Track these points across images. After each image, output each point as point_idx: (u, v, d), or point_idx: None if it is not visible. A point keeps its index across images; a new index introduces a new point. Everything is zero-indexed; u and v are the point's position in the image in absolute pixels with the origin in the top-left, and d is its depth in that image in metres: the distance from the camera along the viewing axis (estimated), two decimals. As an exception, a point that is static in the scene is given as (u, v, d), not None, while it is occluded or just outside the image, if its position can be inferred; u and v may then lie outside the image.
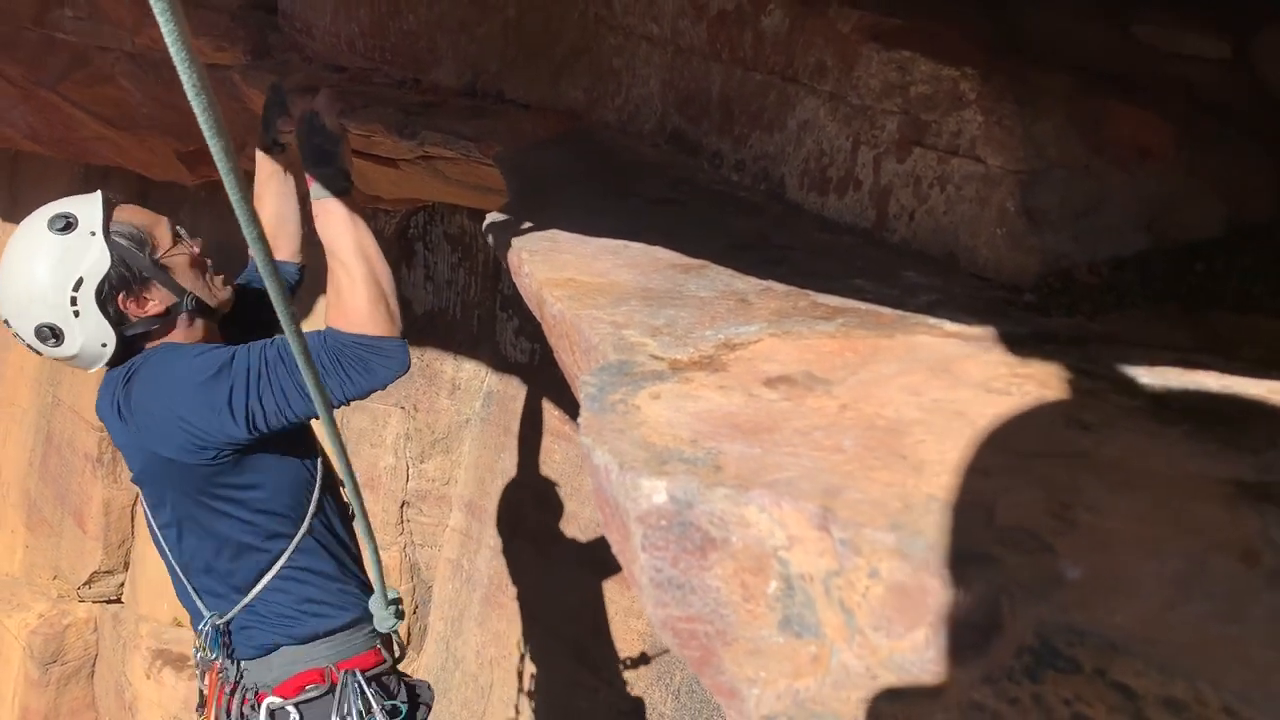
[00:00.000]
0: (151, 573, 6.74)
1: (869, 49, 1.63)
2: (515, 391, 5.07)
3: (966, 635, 0.75)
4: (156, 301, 2.42)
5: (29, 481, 7.45)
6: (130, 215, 2.49)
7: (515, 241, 1.62)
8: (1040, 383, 1.04)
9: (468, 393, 5.38)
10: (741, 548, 0.85)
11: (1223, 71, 1.53)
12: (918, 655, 0.78)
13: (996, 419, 0.95)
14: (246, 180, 1.23)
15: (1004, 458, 0.88)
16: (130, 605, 7.06)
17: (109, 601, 7.29)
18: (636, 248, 1.55)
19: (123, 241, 2.40)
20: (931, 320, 1.23)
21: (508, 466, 5.07)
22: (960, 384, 1.04)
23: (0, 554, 7.73)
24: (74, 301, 2.32)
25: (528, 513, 4.95)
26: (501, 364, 5.16)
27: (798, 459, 0.89)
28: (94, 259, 2.34)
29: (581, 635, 4.61)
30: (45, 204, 2.48)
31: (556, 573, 4.71)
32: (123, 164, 5.38)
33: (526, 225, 1.68)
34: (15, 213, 7.25)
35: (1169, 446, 0.90)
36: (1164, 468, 0.86)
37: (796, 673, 0.89)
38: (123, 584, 7.21)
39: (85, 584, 7.20)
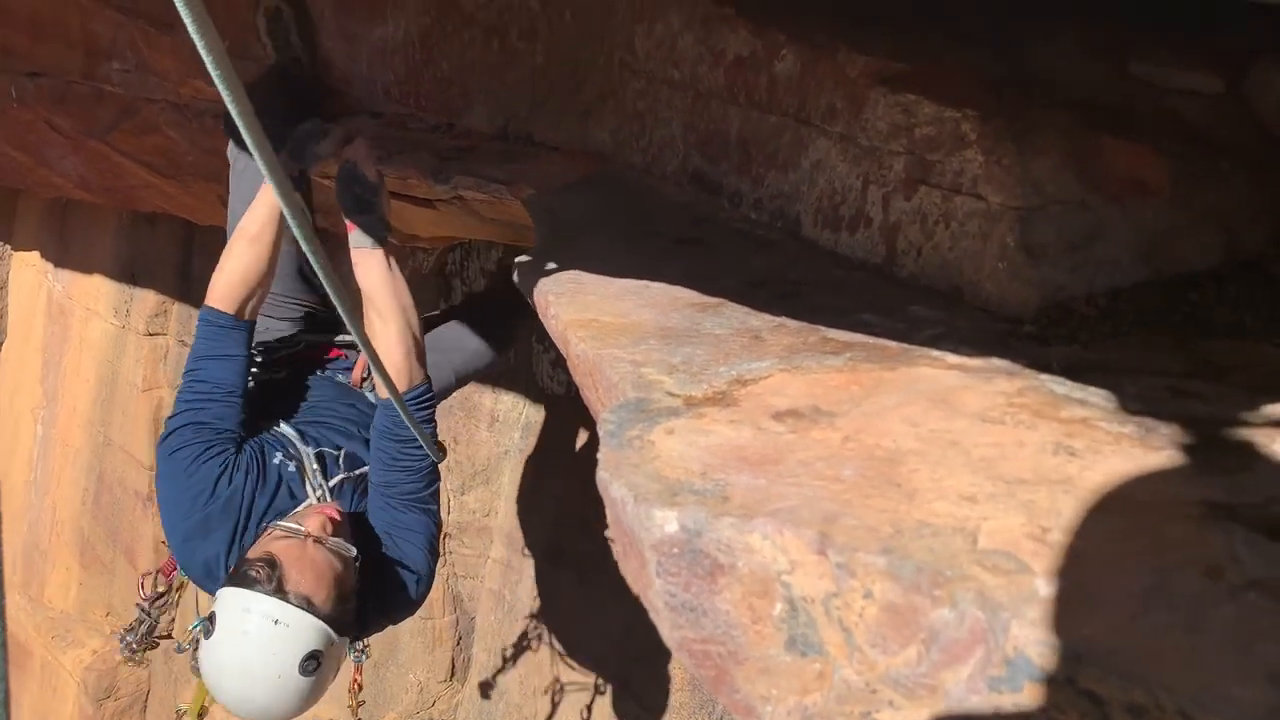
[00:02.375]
0: (202, 609, 6.88)
1: (876, 92, 1.70)
2: (553, 422, 5.15)
3: (954, 650, 0.81)
4: None
5: (82, 520, 7.63)
6: (318, 585, 2.26)
7: (542, 284, 1.70)
8: (1034, 412, 1.10)
9: (506, 424, 5.47)
10: (748, 573, 0.92)
11: (1217, 107, 1.59)
12: (911, 670, 0.85)
13: (989, 448, 1.02)
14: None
15: (992, 484, 0.94)
16: (180, 639, 7.19)
17: (160, 638, 7.42)
18: (657, 287, 1.63)
19: (343, 616, 2.28)
20: (935, 353, 1.29)
21: (546, 497, 5.15)
22: (957, 414, 1.10)
23: (55, 591, 7.90)
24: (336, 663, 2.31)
25: (567, 543, 5.01)
26: (539, 395, 5.25)
27: (800, 489, 0.96)
28: (339, 653, 2.29)
29: (624, 664, 4.66)
30: (257, 633, 2.18)
31: (598, 602, 4.77)
32: (169, 210, 5.56)
33: (552, 267, 1.77)
34: (67, 259, 7.48)
35: (1149, 471, 0.96)
36: (1142, 491, 0.92)
37: (804, 689, 0.95)
38: (173, 620, 7.34)
39: (137, 620, 7.32)
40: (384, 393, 2.38)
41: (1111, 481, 0.94)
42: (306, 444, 2.62)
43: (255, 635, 2.16)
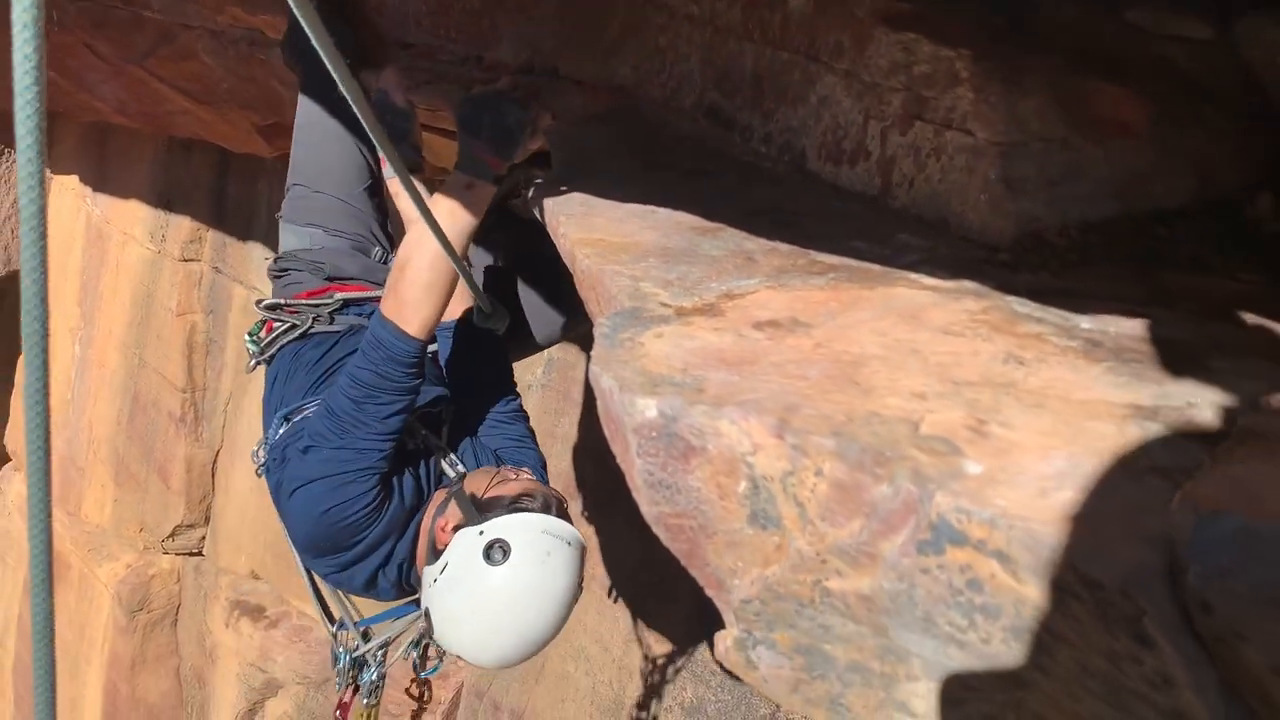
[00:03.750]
0: (231, 527, 7.12)
1: (880, 30, 1.78)
2: (575, 359, 5.27)
3: (891, 520, 0.92)
4: None
5: (117, 439, 7.85)
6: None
7: (554, 205, 1.80)
8: (993, 327, 1.20)
9: (532, 359, 5.60)
10: (716, 454, 1.03)
11: (1206, 53, 1.66)
12: (854, 540, 0.96)
13: (945, 355, 1.12)
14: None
15: (942, 385, 1.05)
16: (210, 558, 7.44)
17: (191, 554, 7.69)
18: (663, 213, 1.73)
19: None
20: (913, 275, 1.39)
21: (568, 431, 5.28)
22: (923, 327, 1.20)
23: (91, 507, 8.16)
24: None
25: (587, 475, 5.15)
26: (566, 335, 5.35)
27: (769, 384, 1.07)
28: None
29: (640, 594, 4.81)
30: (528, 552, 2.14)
31: (612, 534, 4.91)
32: (205, 136, 5.66)
33: (563, 189, 1.87)
34: (105, 184, 7.62)
35: (1088, 378, 1.06)
36: (1077, 394, 1.02)
37: (765, 561, 1.07)
38: (204, 538, 7.59)
39: (169, 537, 7.59)
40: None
41: (1050, 386, 1.04)
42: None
43: (558, 556, 2.13)
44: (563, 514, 2.24)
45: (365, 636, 2.51)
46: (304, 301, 2.73)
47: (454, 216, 2.18)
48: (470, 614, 2.12)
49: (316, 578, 2.52)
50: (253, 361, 2.77)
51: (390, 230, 3.01)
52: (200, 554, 7.66)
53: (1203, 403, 0.99)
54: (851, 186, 1.81)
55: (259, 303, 2.79)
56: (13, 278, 8.20)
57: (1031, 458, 0.89)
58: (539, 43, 3.19)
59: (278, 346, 2.70)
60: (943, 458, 0.90)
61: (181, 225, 7.00)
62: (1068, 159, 1.49)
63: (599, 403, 1.15)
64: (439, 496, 2.30)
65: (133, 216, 7.43)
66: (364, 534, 2.23)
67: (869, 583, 0.96)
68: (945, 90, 1.62)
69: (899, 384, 1.05)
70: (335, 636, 2.55)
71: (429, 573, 2.21)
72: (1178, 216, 1.47)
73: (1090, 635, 0.82)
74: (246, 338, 2.78)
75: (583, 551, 2.20)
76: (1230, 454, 0.80)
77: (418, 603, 2.32)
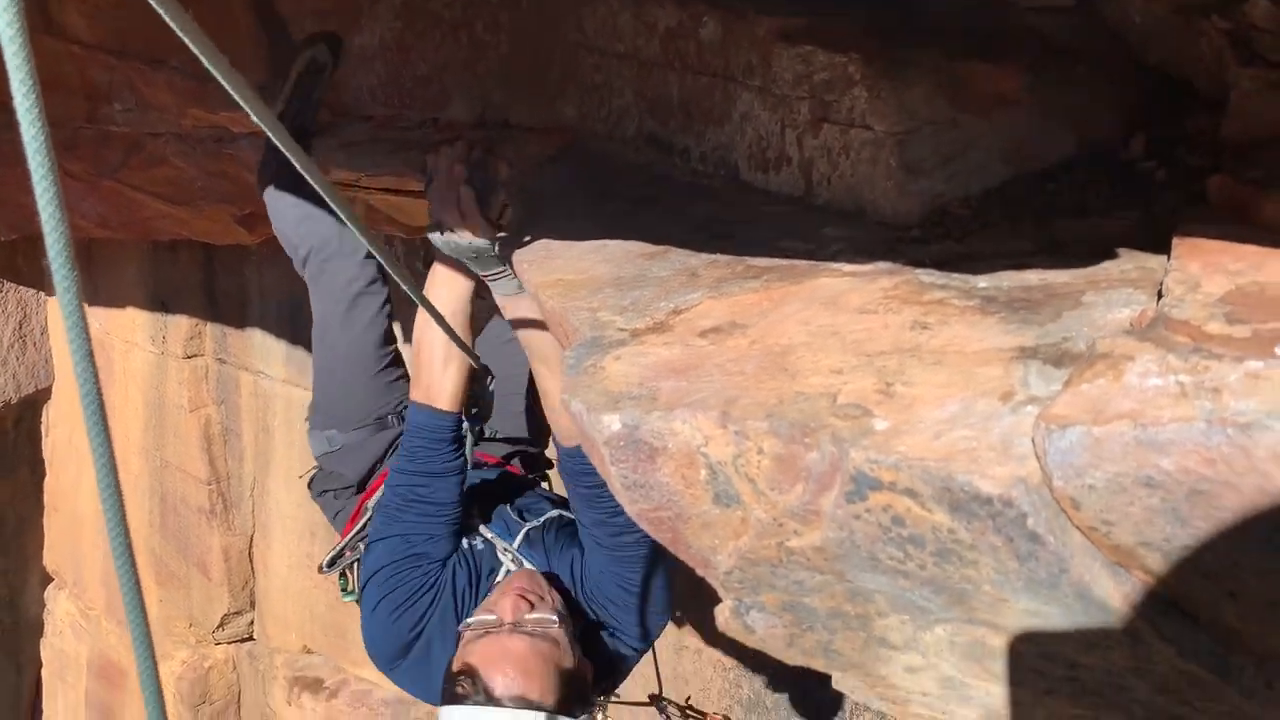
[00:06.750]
0: (276, 607, 7.29)
1: (779, 46, 1.96)
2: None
3: (824, 480, 1.10)
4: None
5: (152, 541, 8.02)
6: (528, 679, 2.06)
7: (518, 254, 1.98)
8: (903, 300, 1.37)
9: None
10: (676, 450, 1.20)
11: (1071, 19, 1.83)
12: (799, 501, 1.13)
13: (861, 332, 1.29)
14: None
15: (857, 359, 1.22)
16: (261, 640, 7.61)
17: (242, 640, 7.86)
18: (614, 244, 1.91)
19: (575, 702, 2.10)
20: (835, 265, 1.56)
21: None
22: (842, 311, 1.37)
23: (137, 611, 8.31)
24: None
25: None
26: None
27: (712, 383, 1.24)
28: None
29: (680, 600, 4.92)
30: None
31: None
32: (187, 235, 5.86)
33: (527, 239, 2.05)
34: (98, 297, 7.83)
35: (981, 331, 1.23)
36: (972, 346, 1.20)
37: (736, 534, 1.24)
38: (252, 622, 7.76)
39: (218, 627, 7.75)
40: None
41: (949, 343, 1.21)
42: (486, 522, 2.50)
43: None
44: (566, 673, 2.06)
45: None
46: (352, 534, 2.73)
47: (451, 284, 2.32)
48: None
49: None
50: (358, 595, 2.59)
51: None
52: (251, 639, 7.82)
53: (1076, 335, 1.17)
54: (780, 191, 1.99)
55: (322, 567, 2.76)
56: (26, 403, 8.39)
57: (929, 408, 1.06)
58: (488, 97, 3.38)
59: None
60: (856, 420, 1.08)
61: (179, 324, 7.21)
62: (958, 136, 1.67)
63: (574, 424, 1.32)
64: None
65: (131, 323, 7.62)
66: (422, 625, 2.25)
67: (819, 535, 1.13)
68: (843, 93, 1.79)
69: (820, 364, 1.22)
70: None
71: None
72: (1063, 170, 1.64)
73: (995, 542, 1.00)
74: (342, 595, 2.74)
75: None
76: (1081, 375, 0.98)
77: None
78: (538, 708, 1.98)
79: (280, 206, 3.23)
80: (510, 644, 2.04)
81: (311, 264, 3.15)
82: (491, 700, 1.99)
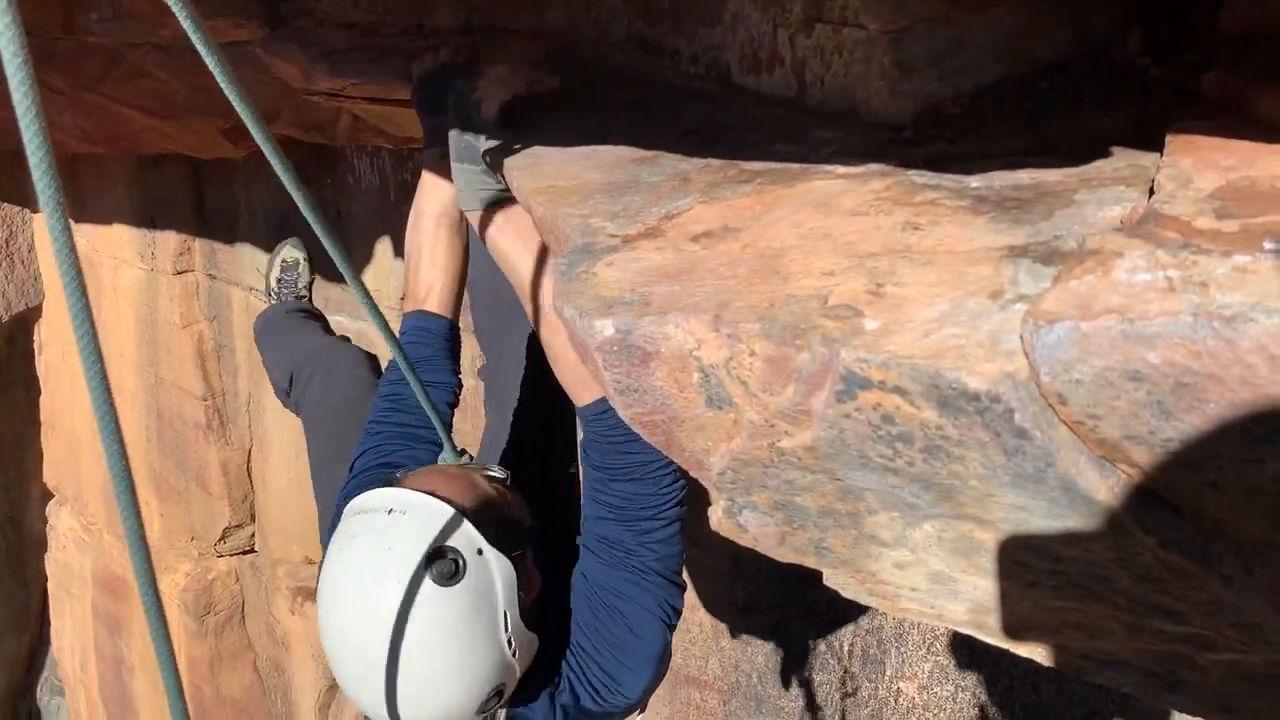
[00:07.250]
0: (276, 520, 7.38)
1: (770, -57, 1.91)
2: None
3: (814, 380, 1.11)
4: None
5: (150, 457, 8.10)
6: (449, 484, 1.90)
7: (507, 162, 1.97)
8: (894, 201, 1.36)
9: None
10: (669, 354, 1.21)
11: (1068, -92, 1.79)
12: (790, 402, 1.14)
13: (853, 234, 1.29)
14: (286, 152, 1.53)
15: (849, 261, 1.22)
16: (263, 552, 7.73)
17: (244, 553, 7.98)
18: (604, 150, 1.89)
19: (498, 533, 1.84)
20: (827, 167, 1.55)
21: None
22: (834, 213, 1.37)
23: (139, 525, 8.42)
24: (509, 644, 1.77)
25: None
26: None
27: (704, 288, 1.25)
28: (503, 580, 1.80)
29: (722, 610, 4.88)
30: (356, 560, 1.74)
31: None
32: (172, 149, 5.79)
33: (516, 146, 2.03)
34: (84, 213, 7.76)
35: (972, 230, 1.23)
36: (963, 246, 1.20)
37: (728, 436, 1.26)
38: (253, 535, 7.87)
39: (220, 540, 7.87)
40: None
41: (939, 244, 1.21)
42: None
43: (365, 531, 1.72)
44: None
45: None
46: None
47: (442, 186, 2.41)
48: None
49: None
50: None
51: None
52: (253, 551, 7.95)
53: (1067, 234, 1.17)
54: (773, 93, 1.97)
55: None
56: (17, 321, 8.38)
57: (919, 307, 1.07)
58: (474, 1, 3.31)
59: None
60: (846, 321, 1.08)
61: (168, 239, 7.16)
62: (951, 34, 1.64)
63: (567, 331, 1.33)
64: None
65: (119, 239, 7.58)
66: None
67: (810, 435, 1.15)
68: (836, -10, 1.76)
69: (812, 266, 1.22)
70: None
71: None
72: (1058, 68, 1.62)
73: (983, 438, 1.01)
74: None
75: (447, 519, 1.74)
76: (1070, 272, 0.98)
77: None
78: (448, 501, 1.79)
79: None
80: (447, 469, 2.02)
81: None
82: (393, 483, 1.86)
